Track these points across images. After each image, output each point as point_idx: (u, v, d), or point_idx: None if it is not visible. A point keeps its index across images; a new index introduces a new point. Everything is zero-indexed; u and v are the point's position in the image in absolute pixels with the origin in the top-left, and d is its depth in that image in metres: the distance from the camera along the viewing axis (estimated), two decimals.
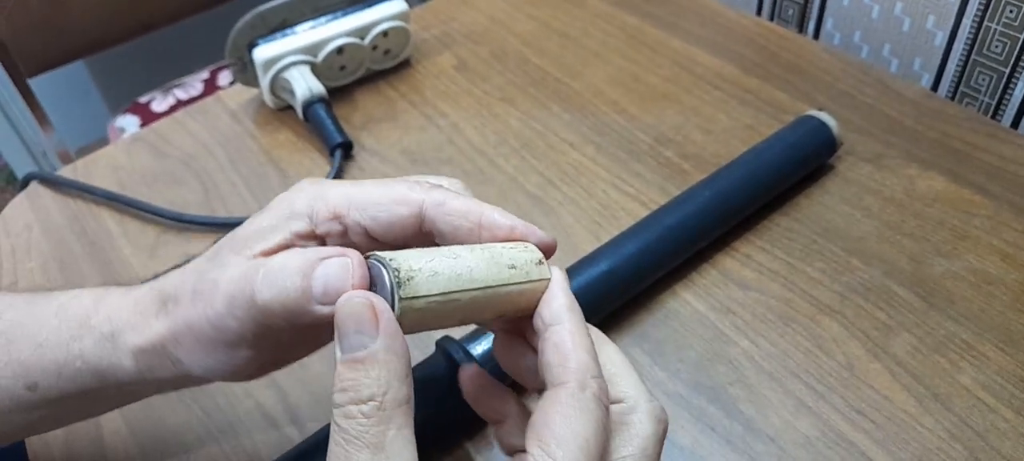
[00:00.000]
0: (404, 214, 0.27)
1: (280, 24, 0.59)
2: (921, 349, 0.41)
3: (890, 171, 0.51)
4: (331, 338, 0.25)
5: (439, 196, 0.27)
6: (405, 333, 0.24)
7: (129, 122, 1.09)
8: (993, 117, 0.60)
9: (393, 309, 0.23)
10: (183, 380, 0.29)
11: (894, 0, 0.61)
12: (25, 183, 0.57)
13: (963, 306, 0.43)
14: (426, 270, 0.24)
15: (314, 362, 0.42)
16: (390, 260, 0.24)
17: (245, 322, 0.26)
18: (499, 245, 0.27)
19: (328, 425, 0.36)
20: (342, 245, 0.27)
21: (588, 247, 0.44)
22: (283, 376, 0.42)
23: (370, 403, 0.22)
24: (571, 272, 0.42)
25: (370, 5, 0.62)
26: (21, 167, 1.57)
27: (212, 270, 0.27)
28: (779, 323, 0.43)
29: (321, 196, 0.28)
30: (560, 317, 0.26)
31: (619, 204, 0.51)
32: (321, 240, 0.28)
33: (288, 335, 0.28)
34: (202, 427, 0.40)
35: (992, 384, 0.39)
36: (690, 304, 0.44)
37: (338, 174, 0.55)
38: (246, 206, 0.53)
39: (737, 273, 0.45)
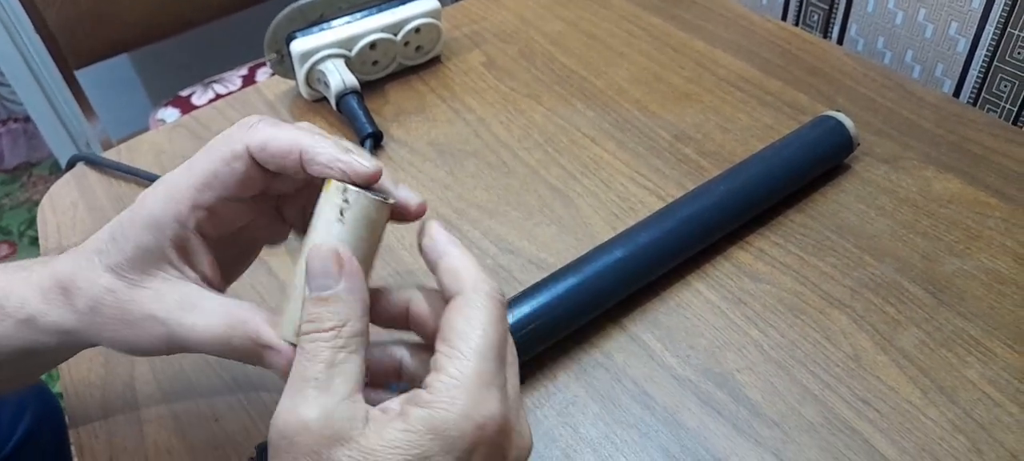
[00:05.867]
0: (242, 169, 0.30)
1: (317, 18, 0.62)
2: (929, 344, 0.42)
3: (906, 172, 0.52)
4: None
5: (259, 138, 0.30)
6: None
7: (170, 114, 1.13)
8: (1014, 123, 0.60)
9: None
10: None
11: (917, 7, 0.62)
12: (71, 164, 0.60)
13: (973, 304, 0.43)
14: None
15: None
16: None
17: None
18: (322, 222, 0.29)
19: None
20: (212, 221, 0.31)
21: (605, 237, 0.46)
22: None
23: (330, 332, 0.26)
24: (587, 259, 0.43)
25: (404, 2, 0.64)
26: (65, 156, 1.63)
27: (128, 304, 0.30)
28: (789, 314, 0.44)
29: (171, 197, 0.30)
30: (445, 250, 0.30)
31: (637, 197, 0.52)
32: (198, 232, 0.31)
33: None
34: (228, 391, 0.42)
35: (998, 379, 0.40)
36: (702, 294, 0.45)
37: None
38: None
39: (750, 266, 0.47)
